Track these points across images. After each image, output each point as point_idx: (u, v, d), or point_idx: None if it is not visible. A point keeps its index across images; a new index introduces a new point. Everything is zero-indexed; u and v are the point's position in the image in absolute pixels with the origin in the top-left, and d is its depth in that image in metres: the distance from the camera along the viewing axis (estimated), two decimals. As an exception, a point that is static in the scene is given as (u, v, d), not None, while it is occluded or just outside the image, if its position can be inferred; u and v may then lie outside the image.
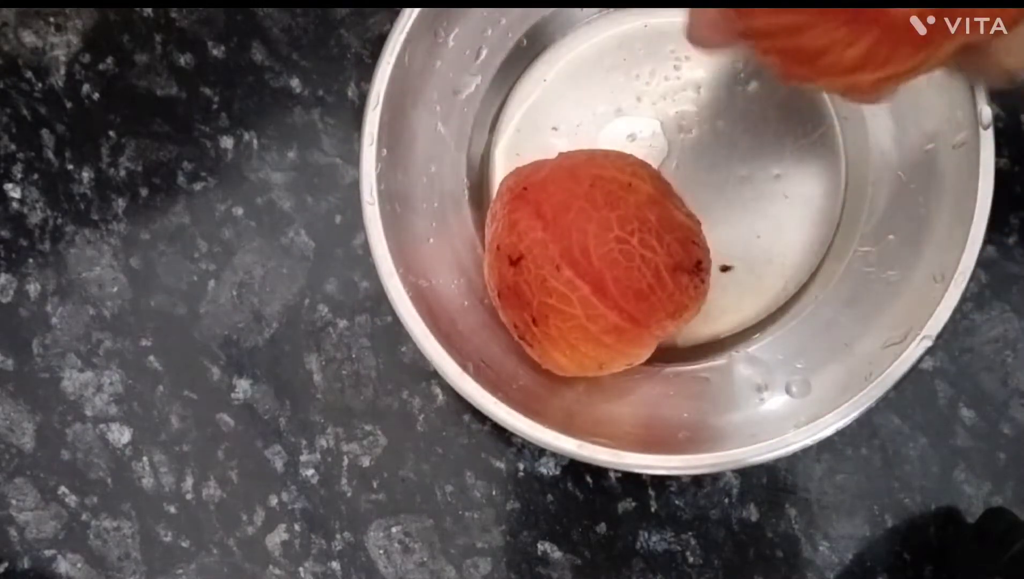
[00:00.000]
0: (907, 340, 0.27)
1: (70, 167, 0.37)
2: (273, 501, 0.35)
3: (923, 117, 0.30)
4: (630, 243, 0.26)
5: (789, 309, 0.32)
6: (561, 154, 0.29)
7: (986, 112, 0.27)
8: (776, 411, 0.29)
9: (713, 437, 0.28)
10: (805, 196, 0.32)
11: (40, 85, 0.37)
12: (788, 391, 0.29)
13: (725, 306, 0.32)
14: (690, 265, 0.27)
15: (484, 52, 0.32)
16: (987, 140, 0.27)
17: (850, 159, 0.32)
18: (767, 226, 0.32)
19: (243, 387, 0.36)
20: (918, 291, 0.28)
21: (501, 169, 0.34)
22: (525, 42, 0.33)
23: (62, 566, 0.35)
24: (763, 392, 0.30)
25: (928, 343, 0.27)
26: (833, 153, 0.33)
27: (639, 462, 0.27)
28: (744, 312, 0.32)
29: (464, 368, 0.28)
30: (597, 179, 0.27)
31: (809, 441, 0.27)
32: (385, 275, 0.29)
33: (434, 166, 0.32)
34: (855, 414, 0.27)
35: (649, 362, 0.30)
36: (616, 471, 0.34)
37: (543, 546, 0.34)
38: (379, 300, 0.29)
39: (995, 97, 0.35)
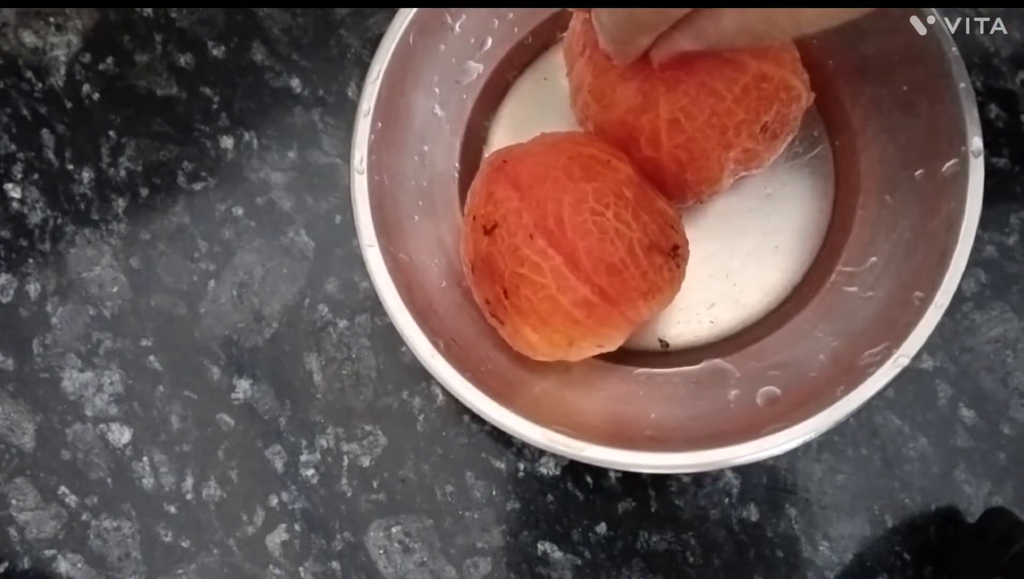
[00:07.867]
0: (883, 358, 0.27)
1: (70, 167, 0.37)
2: (273, 501, 0.35)
3: (914, 144, 0.30)
4: (605, 216, 0.26)
5: (767, 322, 0.32)
6: (543, 133, 0.29)
7: (976, 142, 0.28)
8: (745, 419, 0.29)
9: (678, 438, 0.28)
10: (793, 214, 0.33)
11: (40, 85, 0.37)
12: (759, 401, 0.29)
13: (703, 315, 0.32)
14: (666, 247, 0.27)
15: (489, 42, 0.32)
16: (977, 168, 0.27)
17: (840, 182, 0.33)
18: (753, 241, 0.32)
19: (243, 387, 0.36)
20: (898, 311, 0.28)
21: None
22: (530, 39, 0.33)
23: (62, 566, 0.35)
24: (733, 400, 0.29)
25: (905, 362, 0.27)
26: (824, 175, 0.33)
27: (601, 456, 0.27)
28: (722, 322, 0.32)
29: (435, 345, 0.28)
30: (576, 154, 0.27)
31: (776, 450, 0.27)
32: (366, 244, 0.29)
33: (427, 146, 0.32)
34: (824, 428, 0.27)
35: (622, 361, 0.30)
36: (616, 471, 0.34)
37: (543, 546, 0.34)
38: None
39: (995, 97, 0.35)
